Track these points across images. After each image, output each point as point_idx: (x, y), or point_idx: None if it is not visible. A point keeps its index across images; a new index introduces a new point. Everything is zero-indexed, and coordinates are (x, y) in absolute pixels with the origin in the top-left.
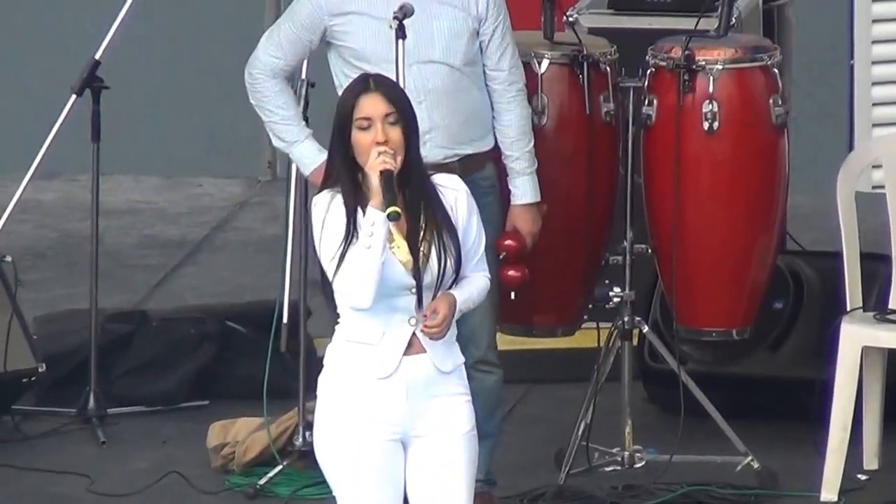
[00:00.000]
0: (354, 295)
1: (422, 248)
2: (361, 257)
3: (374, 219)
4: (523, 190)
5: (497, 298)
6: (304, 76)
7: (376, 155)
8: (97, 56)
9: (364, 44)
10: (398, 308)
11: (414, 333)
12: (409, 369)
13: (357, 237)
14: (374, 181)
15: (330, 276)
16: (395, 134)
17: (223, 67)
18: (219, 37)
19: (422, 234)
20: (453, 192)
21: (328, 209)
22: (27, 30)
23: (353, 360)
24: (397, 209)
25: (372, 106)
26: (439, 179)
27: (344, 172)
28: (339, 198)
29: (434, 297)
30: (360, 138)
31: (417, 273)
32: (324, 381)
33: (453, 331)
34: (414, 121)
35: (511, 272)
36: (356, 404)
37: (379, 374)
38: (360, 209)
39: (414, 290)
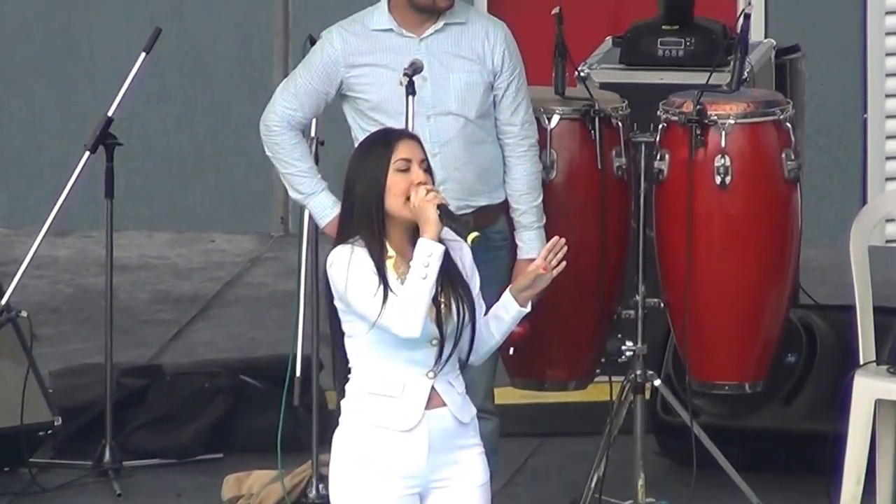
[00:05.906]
0: (408, 324)
1: (442, 300)
2: (417, 287)
3: (430, 250)
4: (529, 244)
5: (496, 352)
6: (313, 134)
7: (425, 192)
8: (110, 113)
9: (381, 96)
10: (416, 361)
11: (433, 387)
12: (431, 422)
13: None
14: (432, 214)
15: (372, 313)
16: (429, 181)
17: (235, 123)
18: (230, 92)
19: (440, 285)
20: (458, 244)
21: (351, 258)
22: (42, 88)
23: (375, 412)
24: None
25: (410, 149)
26: (443, 234)
27: (368, 220)
28: (358, 249)
29: (453, 350)
30: (398, 179)
31: (440, 322)
32: (344, 433)
33: (462, 383)
34: (432, 174)
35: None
36: (378, 457)
37: (402, 427)
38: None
39: (435, 342)
